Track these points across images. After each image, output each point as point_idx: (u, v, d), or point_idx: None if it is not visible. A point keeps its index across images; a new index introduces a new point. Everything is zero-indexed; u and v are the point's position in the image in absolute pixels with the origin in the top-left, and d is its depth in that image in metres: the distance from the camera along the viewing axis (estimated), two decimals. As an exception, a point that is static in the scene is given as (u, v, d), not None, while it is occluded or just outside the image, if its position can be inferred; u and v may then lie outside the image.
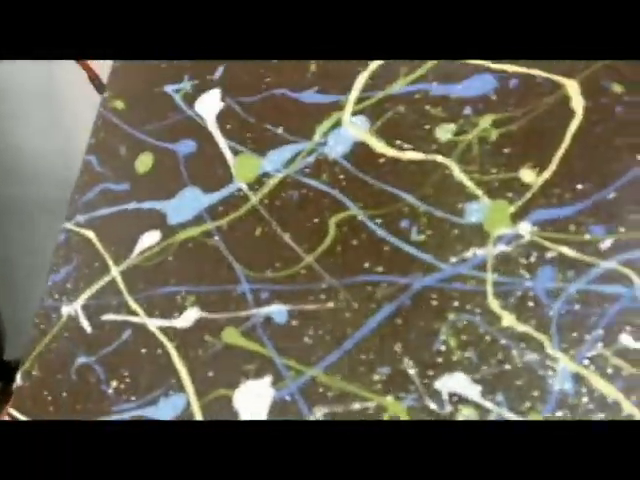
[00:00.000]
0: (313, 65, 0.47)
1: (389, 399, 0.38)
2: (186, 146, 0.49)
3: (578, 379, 0.36)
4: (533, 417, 0.36)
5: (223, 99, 0.50)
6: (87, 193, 0.51)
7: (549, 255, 0.38)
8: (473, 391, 0.37)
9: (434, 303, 0.39)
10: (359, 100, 0.45)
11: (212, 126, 0.49)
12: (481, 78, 0.43)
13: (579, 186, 0.38)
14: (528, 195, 0.39)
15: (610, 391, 0.35)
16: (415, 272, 0.40)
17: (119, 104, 0.54)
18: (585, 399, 0.35)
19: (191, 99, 0.51)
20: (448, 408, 0.37)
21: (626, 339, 0.35)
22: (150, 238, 0.47)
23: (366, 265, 0.41)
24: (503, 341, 0.37)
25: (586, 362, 0.35)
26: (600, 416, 0.35)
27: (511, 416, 0.36)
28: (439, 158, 0.42)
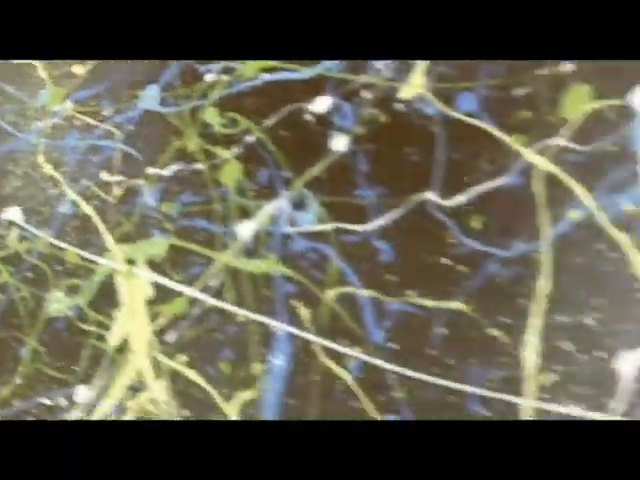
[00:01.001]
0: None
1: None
2: None
3: (76, 205, 0.52)
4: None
5: None
6: None
7: (77, 123, 0.54)
8: (18, 216, 0.54)
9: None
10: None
11: None
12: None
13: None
14: (76, 82, 0.55)
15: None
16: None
17: None
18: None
19: None
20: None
21: (105, 176, 0.51)
22: None
23: None
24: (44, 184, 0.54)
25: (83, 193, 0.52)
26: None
27: (56, 242, 0.52)
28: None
